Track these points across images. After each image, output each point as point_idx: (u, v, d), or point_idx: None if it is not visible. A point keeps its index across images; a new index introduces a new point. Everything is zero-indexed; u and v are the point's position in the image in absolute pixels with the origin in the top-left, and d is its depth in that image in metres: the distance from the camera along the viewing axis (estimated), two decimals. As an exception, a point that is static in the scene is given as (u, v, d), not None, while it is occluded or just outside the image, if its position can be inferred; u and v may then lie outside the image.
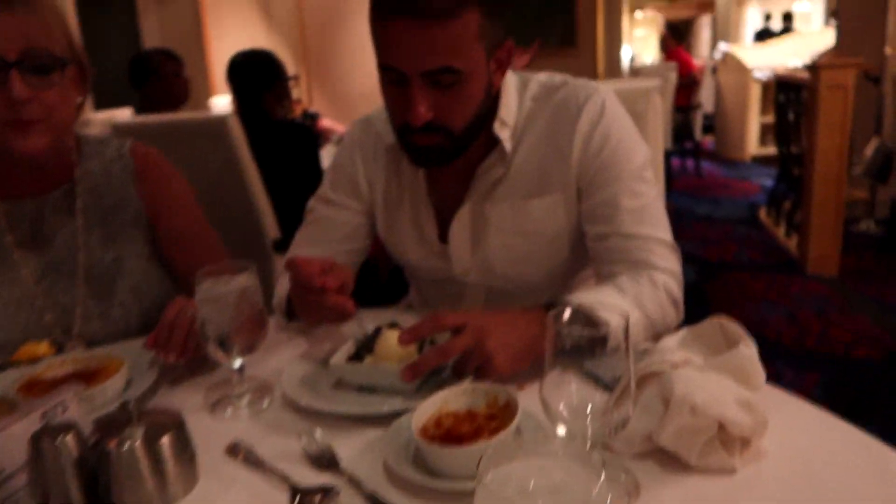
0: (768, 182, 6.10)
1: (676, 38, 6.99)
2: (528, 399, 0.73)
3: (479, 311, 0.90)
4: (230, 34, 4.85)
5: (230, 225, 2.22)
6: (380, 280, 2.30)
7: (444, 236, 1.18)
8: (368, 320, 0.97)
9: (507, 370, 0.87)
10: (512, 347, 0.87)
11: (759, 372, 0.70)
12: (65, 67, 1.04)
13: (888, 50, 4.97)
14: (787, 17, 10.94)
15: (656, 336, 1.05)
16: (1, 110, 0.98)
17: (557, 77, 1.15)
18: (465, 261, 1.18)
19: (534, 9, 4.64)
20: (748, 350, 0.70)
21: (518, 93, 1.13)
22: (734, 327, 0.74)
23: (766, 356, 0.68)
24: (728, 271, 3.91)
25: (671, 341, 0.76)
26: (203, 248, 1.27)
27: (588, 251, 1.13)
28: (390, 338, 0.90)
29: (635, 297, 0.99)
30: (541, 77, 1.16)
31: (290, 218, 2.24)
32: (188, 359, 0.94)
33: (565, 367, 0.67)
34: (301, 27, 4.89)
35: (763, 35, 12.37)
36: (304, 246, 1.23)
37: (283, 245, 2.18)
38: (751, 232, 4.72)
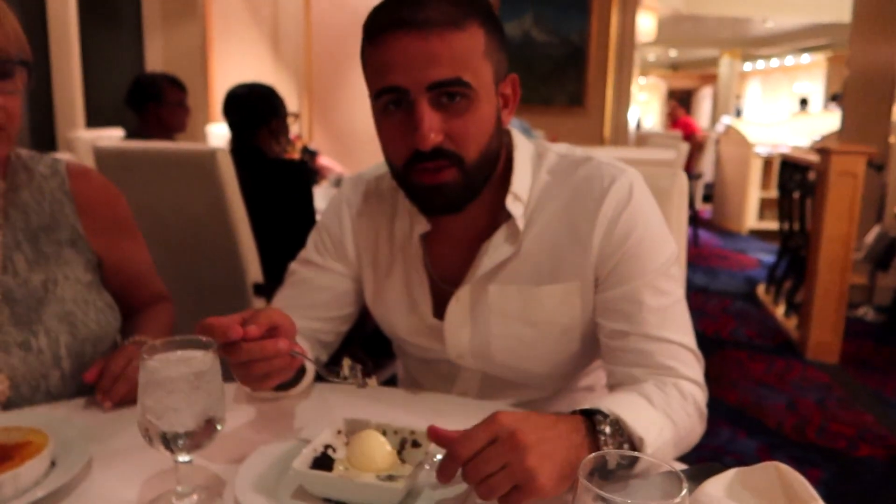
0: (765, 257, 6.03)
1: (685, 106, 6.99)
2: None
3: (511, 413, 0.73)
4: (235, 62, 4.78)
5: (209, 264, 2.08)
6: (365, 330, 2.16)
7: (438, 313, 1.03)
8: (342, 408, 0.82)
9: (551, 492, 0.69)
10: (555, 462, 0.69)
11: (830, 543, 0.56)
12: (29, 72, 0.94)
13: (893, 139, 4.96)
14: (803, 102, 11.25)
15: (682, 451, 0.91)
16: None
17: (579, 150, 1.02)
18: (462, 345, 1.03)
19: (545, 67, 4.61)
20: (819, 514, 0.56)
21: (532, 163, 0.99)
22: (798, 480, 0.60)
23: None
24: (725, 348, 3.78)
25: (718, 487, 0.62)
26: (147, 281, 1.18)
27: (600, 346, 0.99)
28: (366, 441, 0.75)
29: (665, 408, 0.85)
30: (560, 148, 1.02)
31: (276, 262, 2.10)
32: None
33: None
34: (308, 62, 4.83)
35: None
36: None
37: (263, 290, 2.03)
38: (748, 308, 4.60)
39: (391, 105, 0.87)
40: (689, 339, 0.95)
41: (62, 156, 1.25)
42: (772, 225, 6.10)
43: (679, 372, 0.91)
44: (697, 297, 4.84)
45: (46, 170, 1.08)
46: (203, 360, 0.69)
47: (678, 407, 0.87)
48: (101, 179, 1.15)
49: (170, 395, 0.67)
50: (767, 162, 7.22)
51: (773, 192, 5.96)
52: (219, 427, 0.71)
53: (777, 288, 4.61)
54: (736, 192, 7.49)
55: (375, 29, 0.85)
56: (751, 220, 7.36)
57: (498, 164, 0.97)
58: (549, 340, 1.01)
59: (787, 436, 2.77)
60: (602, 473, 0.57)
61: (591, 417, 0.77)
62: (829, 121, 7.47)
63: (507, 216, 0.96)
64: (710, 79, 16.06)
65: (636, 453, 0.75)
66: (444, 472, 0.70)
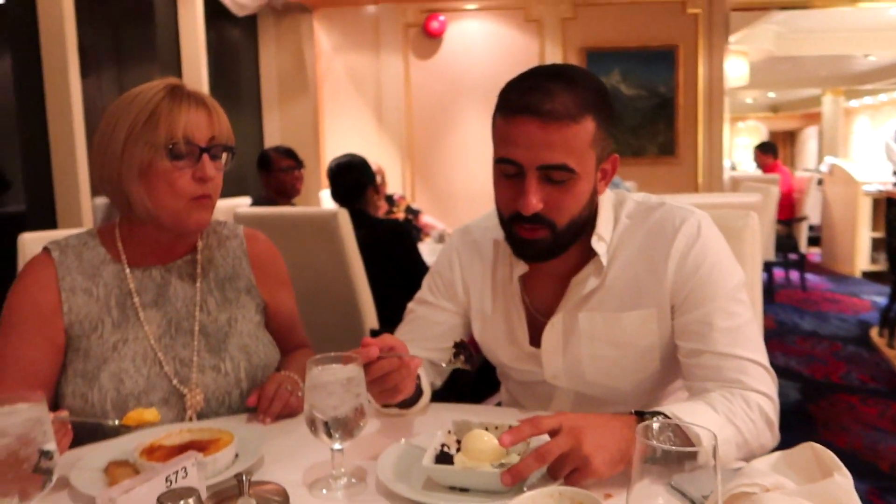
0: (880, 300, 5.75)
1: (771, 152, 6.83)
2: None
3: (573, 413, 0.93)
4: (344, 132, 5.25)
5: (332, 312, 2.35)
6: (470, 373, 2.34)
7: (535, 341, 1.22)
8: (453, 416, 1.01)
9: (604, 473, 0.87)
10: (608, 450, 0.88)
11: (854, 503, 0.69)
12: (233, 155, 1.26)
13: None
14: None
15: (750, 457, 1.03)
16: (190, 186, 1.18)
17: (654, 198, 1.20)
18: (556, 366, 1.22)
19: (634, 119, 4.75)
20: (844, 480, 0.69)
21: (614, 209, 1.19)
22: (828, 455, 0.73)
23: (881, 489, 0.67)
24: (835, 392, 3.68)
25: (763, 464, 0.76)
26: (296, 327, 1.44)
27: (679, 365, 1.14)
28: (478, 438, 0.93)
29: (727, 413, 0.99)
30: (637, 196, 1.21)
31: (389, 310, 2.35)
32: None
33: (653, 479, 0.68)
34: (409, 129, 5.24)
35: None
36: (402, 342, 1.30)
37: (378, 335, 2.27)
38: (861, 352, 4.44)
39: (508, 171, 1.08)
40: (760, 355, 1.08)
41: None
42: (885, 266, 5.82)
43: (747, 384, 1.04)
44: (806, 341, 4.71)
45: (229, 233, 1.39)
46: (351, 368, 0.91)
47: (742, 413, 1.00)
48: (267, 241, 1.44)
49: (330, 395, 0.89)
50: (877, 201, 6.92)
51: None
52: (363, 422, 0.92)
53: (891, 330, 4.43)
54: (845, 234, 7.20)
55: (508, 107, 1.06)
56: (863, 261, 7.02)
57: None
58: (631, 360, 1.17)
59: (902, 479, 2.69)
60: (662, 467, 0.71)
61: (643, 416, 0.93)
62: None
63: (594, 254, 1.15)
64: (814, 118, 15.49)
65: (690, 449, 0.87)
66: (509, 437, 0.87)
